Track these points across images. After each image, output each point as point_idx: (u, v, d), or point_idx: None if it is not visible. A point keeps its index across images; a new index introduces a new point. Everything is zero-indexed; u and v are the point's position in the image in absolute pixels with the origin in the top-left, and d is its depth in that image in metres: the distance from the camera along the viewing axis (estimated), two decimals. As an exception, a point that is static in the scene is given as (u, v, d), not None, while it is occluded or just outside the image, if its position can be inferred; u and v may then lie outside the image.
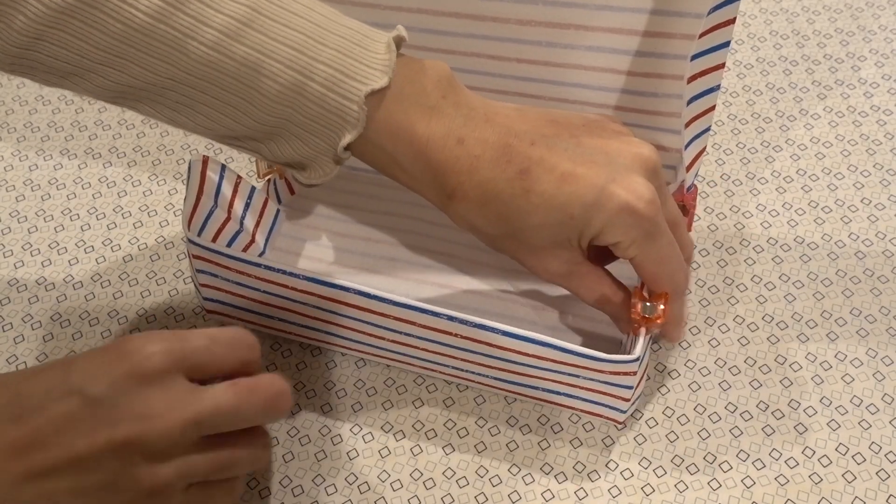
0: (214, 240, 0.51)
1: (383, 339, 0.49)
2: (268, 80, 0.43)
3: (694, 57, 0.46)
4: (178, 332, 0.40)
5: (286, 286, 0.47)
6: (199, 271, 0.50)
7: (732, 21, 0.46)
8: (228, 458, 0.41)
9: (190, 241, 0.48)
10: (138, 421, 0.37)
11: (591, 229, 0.44)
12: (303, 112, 0.43)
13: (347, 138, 0.43)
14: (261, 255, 0.55)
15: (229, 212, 0.53)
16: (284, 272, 0.47)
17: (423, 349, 0.48)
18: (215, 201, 0.52)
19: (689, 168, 0.50)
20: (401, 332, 0.47)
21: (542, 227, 0.44)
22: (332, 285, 0.46)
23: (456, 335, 0.46)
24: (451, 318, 0.45)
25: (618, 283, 0.48)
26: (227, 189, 0.52)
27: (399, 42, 0.44)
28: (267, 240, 0.56)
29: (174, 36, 0.41)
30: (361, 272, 0.55)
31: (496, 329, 0.44)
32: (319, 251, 0.56)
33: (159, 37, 0.41)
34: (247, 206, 0.54)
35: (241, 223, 0.54)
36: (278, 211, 0.57)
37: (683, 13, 0.45)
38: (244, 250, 0.53)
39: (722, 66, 0.47)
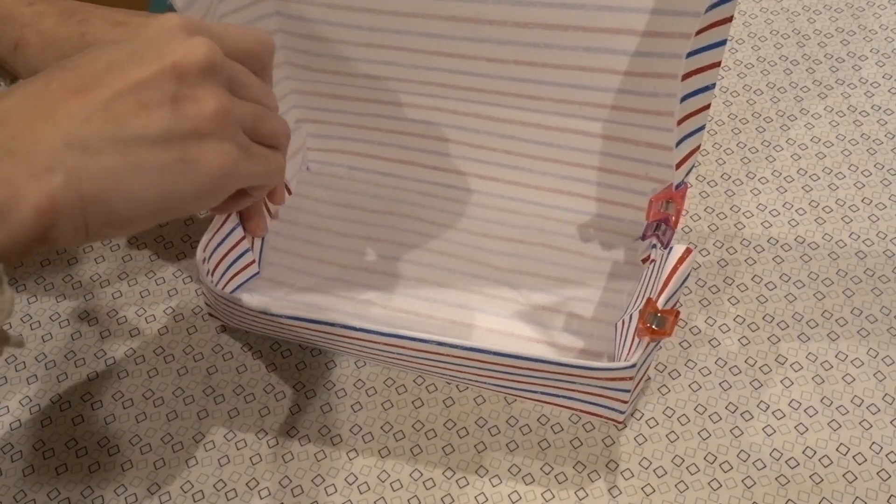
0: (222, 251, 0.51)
1: (379, 355, 0.49)
2: None
3: (689, 55, 0.46)
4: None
5: (283, 324, 0.48)
6: (206, 304, 0.51)
7: (729, 20, 0.46)
8: (265, 112, 0.43)
9: (201, 280, 0.48)
10: (182, 50, 0.39)
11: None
12: None
13: None
14: (259, 256, 0.55)
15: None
16: (282, 317, 0.47)
17: (419, 363, 0.48)
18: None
19: (678, 166, 0.50)
20: (396, 354, 0.48)
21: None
22: (323, 322, 0.46)
23: (447, 355, 0.46)
24: (440, 344, 0.45)
25: None
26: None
27: None
28: (264, 241, 0.56)
29: None
30: (361, 273, 0.55)
31: (487, 350, 0.44)
32: (318, 252, 0.56)
33: None
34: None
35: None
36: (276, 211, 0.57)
37: (681, 12, 0.45)
38: (242, 259, 0.53)
39: (717, 64, 0.47)
